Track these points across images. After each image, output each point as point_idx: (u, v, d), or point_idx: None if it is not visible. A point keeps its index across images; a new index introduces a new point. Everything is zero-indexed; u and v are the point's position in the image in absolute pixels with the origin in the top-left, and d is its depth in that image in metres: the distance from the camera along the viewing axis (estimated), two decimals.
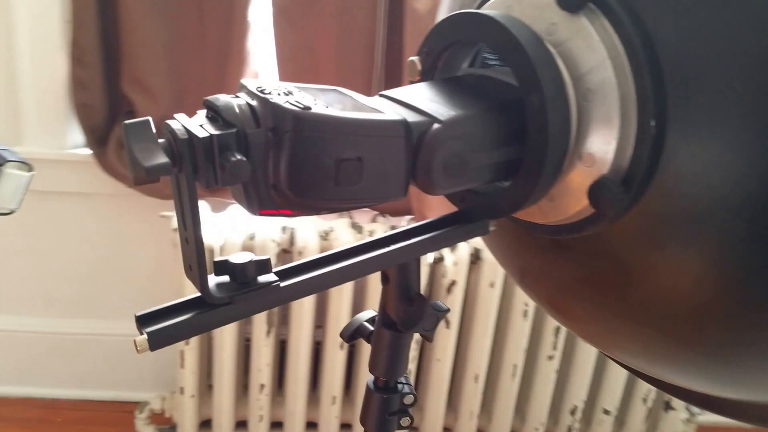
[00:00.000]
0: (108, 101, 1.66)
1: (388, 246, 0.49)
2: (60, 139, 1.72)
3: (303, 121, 0.39)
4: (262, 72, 1.69)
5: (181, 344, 1.57)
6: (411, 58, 0.55)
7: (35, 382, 1.97)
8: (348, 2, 1.56)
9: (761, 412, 0.53)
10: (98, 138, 1.67)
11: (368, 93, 0.59)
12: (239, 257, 0.43)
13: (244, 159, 0.38)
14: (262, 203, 0.41)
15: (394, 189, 0.44)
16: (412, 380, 1.67)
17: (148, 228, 1.81)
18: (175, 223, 1.52)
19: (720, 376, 0.51)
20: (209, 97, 0.40)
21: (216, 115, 0.40)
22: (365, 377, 1.58)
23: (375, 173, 0.42)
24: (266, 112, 0.39)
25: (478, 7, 0.55)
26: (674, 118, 0.44)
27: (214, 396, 1.68)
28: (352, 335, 0.56)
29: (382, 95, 0.49)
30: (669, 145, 0.44)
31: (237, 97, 0.41)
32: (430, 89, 0.50)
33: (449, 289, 1.58)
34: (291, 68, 1.62)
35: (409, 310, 0.52)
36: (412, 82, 0.56)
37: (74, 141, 1.74)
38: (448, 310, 0.54)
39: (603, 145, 0.47)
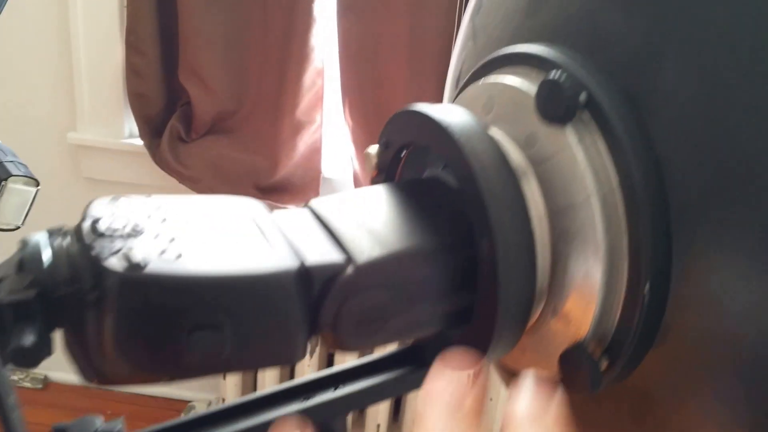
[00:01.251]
0: (164, 92, 1.61)
1: (304, 399, 0.38)
2: (115, 129, 1.68)
3: (130, 285, 0.28)
4: (326, 68, 1.60)
5: None
6: (368, 148, 0.43)
7: None
8: None
9: None
10: (152, 129, 1.61)
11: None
12: (82, 426, 0.34)
13: (31, 343, 0.28)
14: (96, 374, 0.31)
15: (284, 351, 0.33)
16: None
17: None
18: None
19: None
20: (24, 237, 0.30)
21: None
22: (414, 404, 1.48)
23: (249, 338, 0.31)
24: (85, 266, 0.29)
25: (466, 85, 0.43)
26: (681, 279, 0.31)
27: None
28: None
29: (310, 207, 0.38)
30: (672, 313, 0.32)
31: (64, 235, 0.31)
32: (374, 201, 0.38)
33: None
34: (355, 66, 1.51)
35: None
36: (372, 178, 0.44)
37: (130, 131, 1.70)
38: None
39: (581, 304, 0.35)
